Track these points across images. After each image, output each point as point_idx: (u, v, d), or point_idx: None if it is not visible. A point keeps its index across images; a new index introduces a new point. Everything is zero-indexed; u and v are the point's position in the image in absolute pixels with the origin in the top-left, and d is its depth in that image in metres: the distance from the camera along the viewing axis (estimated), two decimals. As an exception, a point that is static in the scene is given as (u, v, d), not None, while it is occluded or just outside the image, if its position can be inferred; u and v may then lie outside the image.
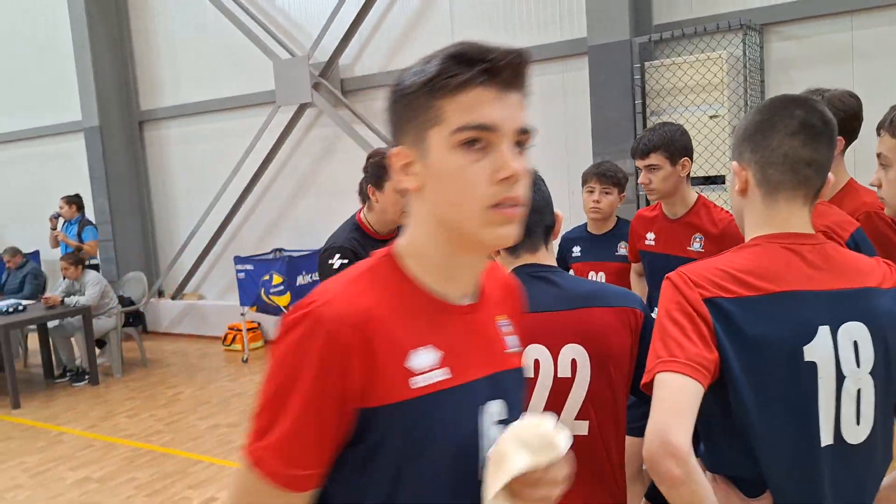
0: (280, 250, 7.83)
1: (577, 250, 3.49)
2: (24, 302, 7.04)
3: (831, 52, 5.17)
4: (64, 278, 7.09)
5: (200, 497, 4.32)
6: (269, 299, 7.16)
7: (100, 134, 8.68)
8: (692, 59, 5.46)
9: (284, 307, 7.11)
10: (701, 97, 5.46)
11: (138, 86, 8.96)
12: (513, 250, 1.76)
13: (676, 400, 1.25)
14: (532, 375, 1.66)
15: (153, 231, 9.26)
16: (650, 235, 2.97)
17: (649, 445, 1.23)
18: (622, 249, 3.35)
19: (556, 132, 6.21)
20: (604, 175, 3.34)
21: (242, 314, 7.51)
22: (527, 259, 1.77)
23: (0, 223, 10.53)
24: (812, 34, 5.25)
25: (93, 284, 6.94)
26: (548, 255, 1.79)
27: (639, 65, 5.51)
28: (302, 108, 7.60)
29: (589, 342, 1.65)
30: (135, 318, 7.73)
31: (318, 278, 7.48)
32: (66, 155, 9.51)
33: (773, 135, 1.40)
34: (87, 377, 6.98)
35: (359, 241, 2.66)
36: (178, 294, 8.96)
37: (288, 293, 7.07)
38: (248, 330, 7.74)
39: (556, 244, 1.92)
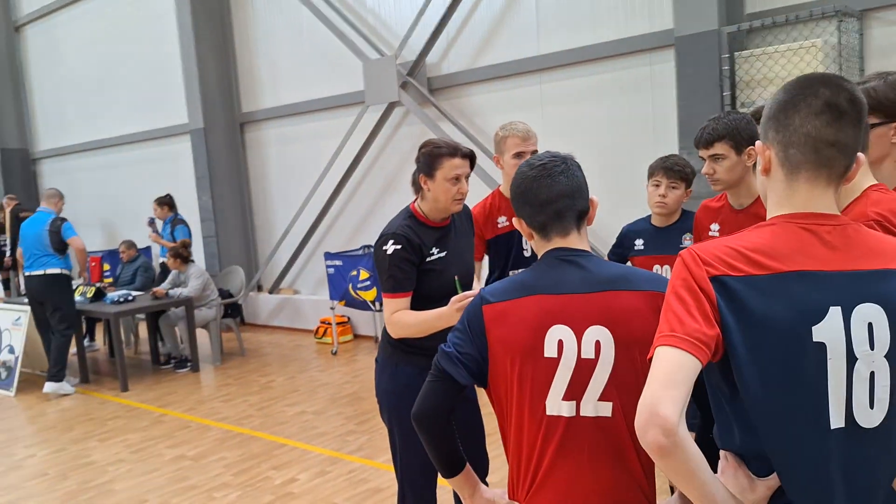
0: (368, 247, 8.05)
1: (639, 243, 3.43)
2: (134, 293, 7.54)
3: (939, 36, 4.85)
4: (170, 272, 7.58)
5: (283, 477, 4.53)
6: (357, 294, 7.38)
7: (204, 136, 9.20)
8: (784, 49, 5.25)
9: (371, 302, 7.32)
10: (794, 87, 5.23)
11: (240, 89, 9.43)
12: (545, 233, 1.79)
13: (669, 373, 1.26)
14: (556, 356, 1.69)
15: (253, 228, 9.72)
16: (714, 226, 2.89)
17: (639, 417, 1.26)
18: (687, 242, 3.27)
19: (641, 126, 6.11)
20: (671, 169, 3.27)
21: (332, 308, 7.77)
22: (557, 242, 1.80)
23: (114, 220, 11.33)
24: (917, 18, 4.94)
25: (195, 277, 7.36)
26: (580, 240, 1.81)
27: (728, 55, 5.34)
28: (390, 108, 7.79)
29: (614, 325, 1.66)
30: (233, 310, 8.15)
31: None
32: (174, 156, 10.13)
33: (795, 114, 1.37)
34: (189, 364, 7.42)
35: (412, 228, 2.74)
36: (274, 288, 9.36)
37: (374, 288, 7.26)
38: (338, 324, 8.00)
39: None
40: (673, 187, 3.25)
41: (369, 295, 7.31)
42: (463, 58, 7.31)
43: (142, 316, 7.88)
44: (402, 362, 2.82)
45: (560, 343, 1.70)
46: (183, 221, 8.26)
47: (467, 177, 2.77)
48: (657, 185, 3.29)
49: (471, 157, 2.78)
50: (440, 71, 7.50)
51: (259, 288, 9.52)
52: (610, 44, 6.20)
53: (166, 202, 8.30)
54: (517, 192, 1.84)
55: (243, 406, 6.16)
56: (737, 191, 2.78)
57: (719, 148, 2.71)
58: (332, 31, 8.00)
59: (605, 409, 1.66)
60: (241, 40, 9.30)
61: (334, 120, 8.38)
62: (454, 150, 2.74)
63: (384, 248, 2.70)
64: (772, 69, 5.32)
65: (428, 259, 2.76)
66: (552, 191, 1.79)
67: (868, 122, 1.48)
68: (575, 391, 1.69)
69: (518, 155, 3.26)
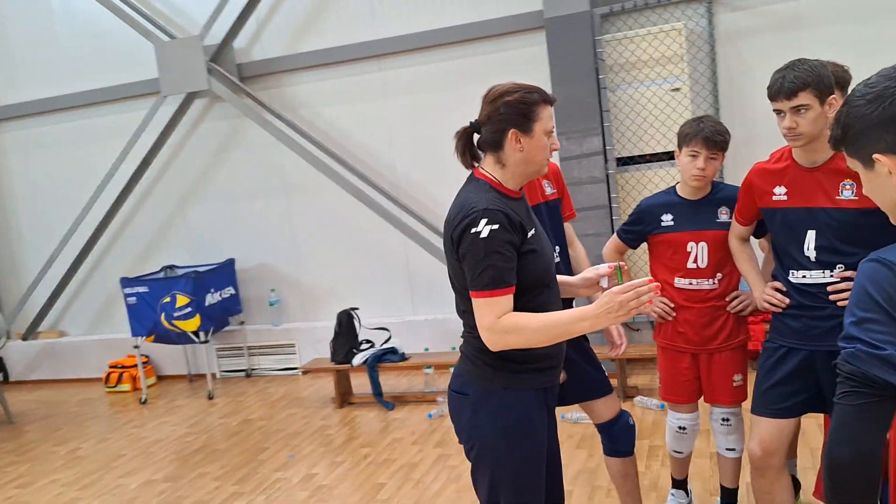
0: (172, 267, 6.70)
1: (668, 219, 3.06)
2: None
3: (779, 20, 5.23)
4: None
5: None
6: (173, 325, 6.07)
7: None
8: (644, 32, 5.31)
9: (194, 333, 6.06)
10: (656, 71, 5.33)
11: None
12: None
13: None
14: None
15: (-14, 260, 7.62)
16: (780, 190, 2.63)
17: None
18: (723, 216, 2.99)
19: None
20: (711, 139, 2.91)
21: (136, 346, 6.31)
22: None
23: None
24: (758, 3, 5.28)
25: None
26: None
27: (600, 37, 5.26)
28: (189, 99, 6.55)
29: None
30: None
31: (233, 293, 6.51)
32: None
33: None
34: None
35: (502, 201, 2.09)
36: (30, 333, 7.42)
37: (197, 315, 6.03)
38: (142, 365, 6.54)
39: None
40: (712, 158, 2.92)
41: (191, 324, 6.04)
42: (280, 42, 6.39)
43: None
44: (512, 388, 2.12)
45: None
46: None
47: None
48: (695, 156, 2.92)
49: None
50: (251, 56, 6.48)
51: (7, 335, 7.48)
52: (467, 26, 5.81)
53: None
54: (885, 116, 1.34)
55: (56, 489, 4.65)
56: (813, 146, 2.52)
57: (804, 98, 2.43)
58: (106, 6, 6.49)
59: None
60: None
61: (110, 117, 6.85)
62: (546, 95, 2.15)
63: (474, 230, 2.00)
64: (634, 53, 5.36)
65: (529, 237, 2.11)
66: None
67: None
68: None
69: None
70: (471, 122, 2.19)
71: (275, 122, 6.31)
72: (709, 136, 2.89)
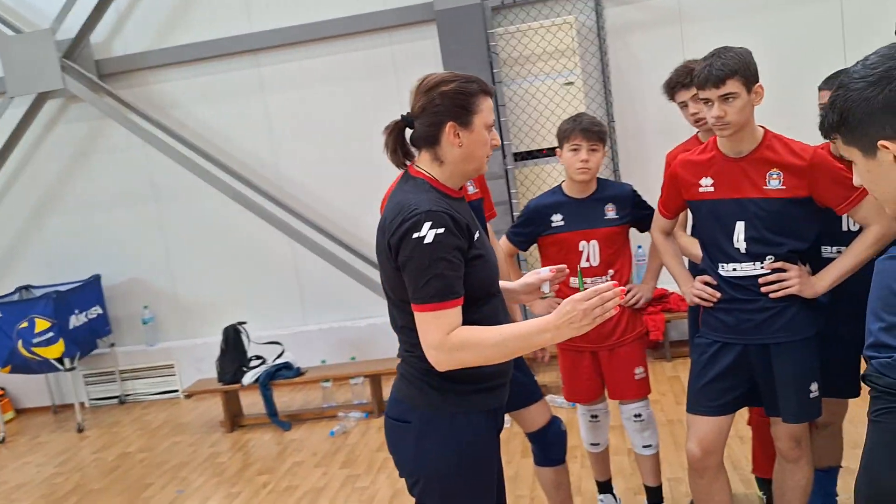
0: (28, 287, 5.98)
1: (558, 219, 3.03)
2: None
3: (663, 15, 5.29)
4: None
5: None
6: (32, 353, 5.39)
7: None
8: (536, 26, 5.24)
9: (58, 360, 5.41)
10: (549, 65, 5.26)
11: None
12: None
13: None
14: None
15: None
16: (706, 181, 2.55)
17: None
18: (610, 213, 3.00)
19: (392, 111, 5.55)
20: (588, 130, 2.92)
21: (-12, 379, 5.58)
22: None
23: None
24: (643, -2, 5.32)
25: None
26: None
27: (492, 31, 5.12)
28: (41, 100, 5.86)
29: None
30: None
31: (100, 312, 5.89)
32: None
33: None
34: None
35: (446, 202, 1.86)
36: None
37: (60, 340, 5.39)
38: (-5, 399, 5.80)
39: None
40: (593, 150, 2.92)
41: (53, 351, 5.40)
42: (144, 36, 5.83)
43: None
44: (461, 411, 1.90)
45: None
46: None
47: None
48: (576, 150, 2.92)
49: None
50: (111, 52, 5.89)
51: None
52: (352, 18, 5.51)
53: None
54: (893, 99, 1.22)
55: None
56: (741, 135, 2.46)
57: (732, 86, 2.36)
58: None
59: None
60: None
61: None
62: (485, 85, 1.94)
63: (416, 234, 1.76)
64: (527, 46, 5.28)
65: (475, 241, 1.89)
66: None
67: None
68: None
69: None
70: (402, 116, 1.95)
71: (141, 123, 5.75)
72: (586, 127, 2.91)
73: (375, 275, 5.72)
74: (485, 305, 1.89)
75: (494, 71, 5.15)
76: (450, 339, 1.76)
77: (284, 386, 5.41)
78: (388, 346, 5.46)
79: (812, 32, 5.00)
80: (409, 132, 1.96)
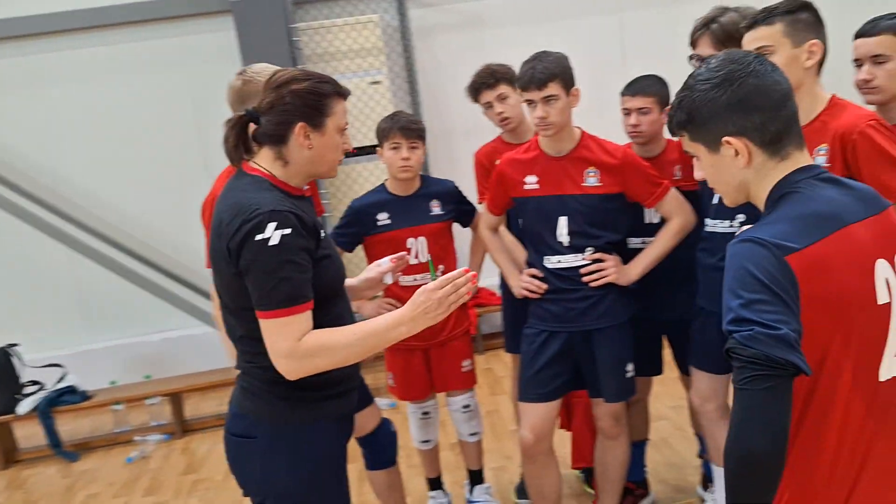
0: None
1: (383, 217, 3.00)
2: None
3: (465, 19, 5.43)
4: None
5: None
6: None
7: None
8: (341, 23, 5.16)
9: None
10: (356, 63, 5.20)
11: None
12: (779, 148, 1.36)
13: None
14: (888, 300, 1.31)
15: None
16: (531, 179, 2.65)
17: None
18: (436, 209, 3.03)
19: (186, 107, 5.17)
20: (408, 129, 2.93)
21: None
22: (798, 160, 1.38)
23: None
24: (445, 1, 5.43)
25: None
26: None
27: (294, 26, 4.95)
28: None
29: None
30: None
31: None
32: None
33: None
34: None
35: (289, 200, 1.75)
36: None
37: None
38: None
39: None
40: (413, 147, 2.93)
41: None
42: None
43: None
44: (313, 421, 1.76)
45: (888, 283, 1.30)
46: None
47: None
48: (396, 148, 2.93)
49: None
50: None
51: None
52: (135, 6, 5.05)
53: None
54: (735, 99, 1.32)
55: None
56: (561, 136, 2.60)
57: (553, 88, 2.50)
58: None
59: None
60: None
61: None
62: (340, 87, 1.84)
63: (259, 236, 1.63)
64: (332, 43, 5.18)
65: (322, 241, 1.79)
66: (782, 88, 1.34)
67: None
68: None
69: None
70: (246, 110, 1.78)
71: None
72: (405, 125, 2.93)
73: (171, 285, 5.31)
74: (334, 307, 1.79)
75: (299, 67, 4.97)
76: (301, 346, 1.64)
77: (68, 412, 4.81)
78: (186, 361, 5.20)
79: (594, 43, 5.39)
80: (252, 128, 1.80)
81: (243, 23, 4.89)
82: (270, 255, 1.62)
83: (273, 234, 1.62)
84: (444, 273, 2.93)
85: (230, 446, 1.83)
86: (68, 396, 4.62)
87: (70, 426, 4.93)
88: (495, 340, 5.05)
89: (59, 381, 4.69)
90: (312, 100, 1.75)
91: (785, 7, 1.95)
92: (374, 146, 4.86)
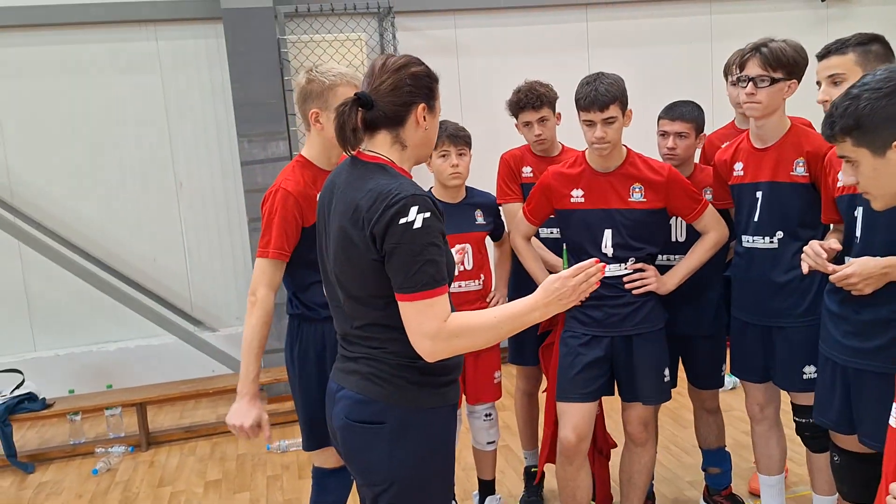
0: None
1: None
2: None
3: (441, 45, 5.59)
4: None
5: None
6: None
7: None
8: (331, 38, 5.20)
9: None
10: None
11: None
12: None
13: None
14: None
15: None
16: (577, 192, 2.79)
17: None
18: (480, 218, 3.11)
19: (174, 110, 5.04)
20: (456, 136, 3.00)
21: None
22: None
23: None
24: (425, 27, 5.58)
25: None
26: None
27: (283, 37, 4.96)
28: None
29: None
30: None
31: None
32: None
33: None
34: None
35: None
36: None
37: None
38: None
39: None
40: (461, 154, 3.02)
41: None
42: None
43: None
44: (436, 405, 1.84)
45: None
46: None
47: None
48: (445, 156, 3.01)
49: None
50: None
51: None
52: (120, 5, 4.91)
53: None
54: None
55: None
56: (612, 153, 2.76)
57: (613, 110, 2.65)
58: None
59: None
60: None
61: None
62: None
63: (404, 220, 1.67)
64: (320, 58, 5.20)
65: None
66: None
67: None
68: None
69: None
70: (359, 94, 1.79)
71: None
72: (453, 132, 3.02)
73: (130, 293, 5.10)
74: (448, 291, 1.83)
75: (286, 78, 4.97)
76: (447, 327, 1.68)
77: (20, 421, 4.50)
78: (143, 372, 4.99)
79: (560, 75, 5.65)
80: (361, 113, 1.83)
81: (233, 31, 4.85)
82: (415, 238, 1.66)
83: (416, 217, 1.67)
84: (484, 282, 3.08)
85: (351, 434, 1.81)
86: (28, 404, 4.34)
87: (20, 435, 4.60)
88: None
89: (17, 388, 4.41)
90: (428, 82, 1.84)
91: (857, 39, 2.22)
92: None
